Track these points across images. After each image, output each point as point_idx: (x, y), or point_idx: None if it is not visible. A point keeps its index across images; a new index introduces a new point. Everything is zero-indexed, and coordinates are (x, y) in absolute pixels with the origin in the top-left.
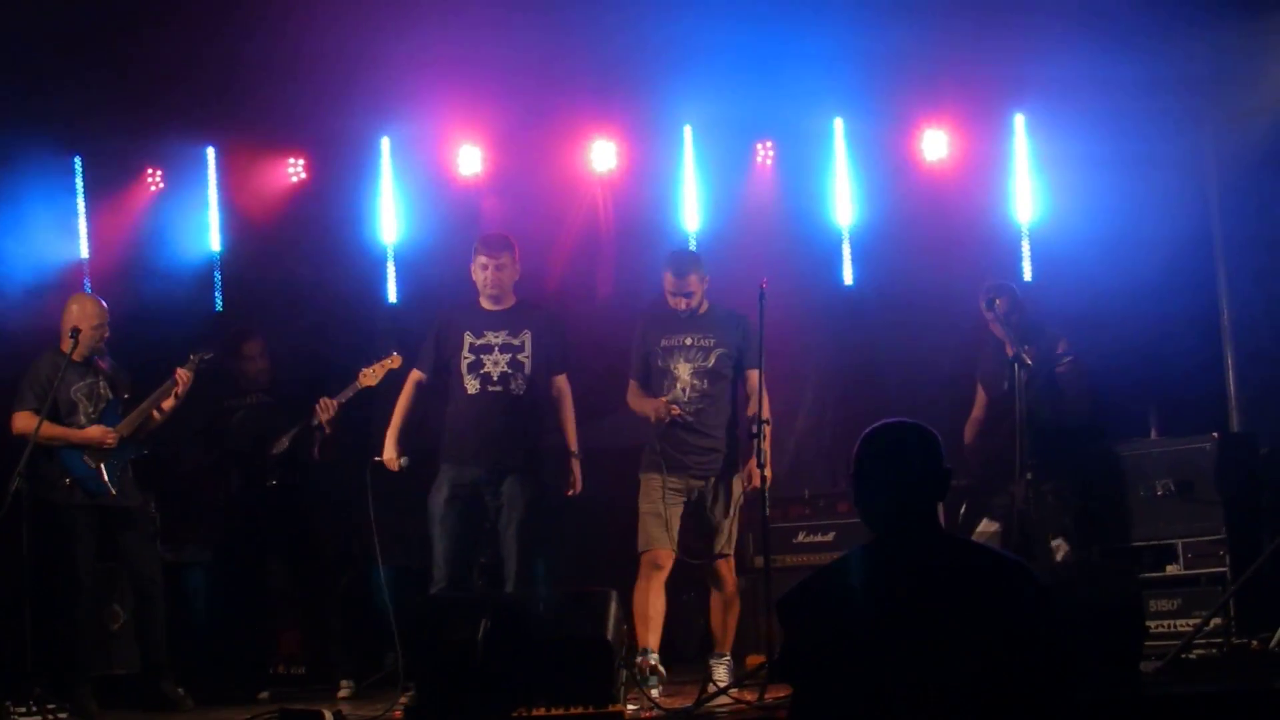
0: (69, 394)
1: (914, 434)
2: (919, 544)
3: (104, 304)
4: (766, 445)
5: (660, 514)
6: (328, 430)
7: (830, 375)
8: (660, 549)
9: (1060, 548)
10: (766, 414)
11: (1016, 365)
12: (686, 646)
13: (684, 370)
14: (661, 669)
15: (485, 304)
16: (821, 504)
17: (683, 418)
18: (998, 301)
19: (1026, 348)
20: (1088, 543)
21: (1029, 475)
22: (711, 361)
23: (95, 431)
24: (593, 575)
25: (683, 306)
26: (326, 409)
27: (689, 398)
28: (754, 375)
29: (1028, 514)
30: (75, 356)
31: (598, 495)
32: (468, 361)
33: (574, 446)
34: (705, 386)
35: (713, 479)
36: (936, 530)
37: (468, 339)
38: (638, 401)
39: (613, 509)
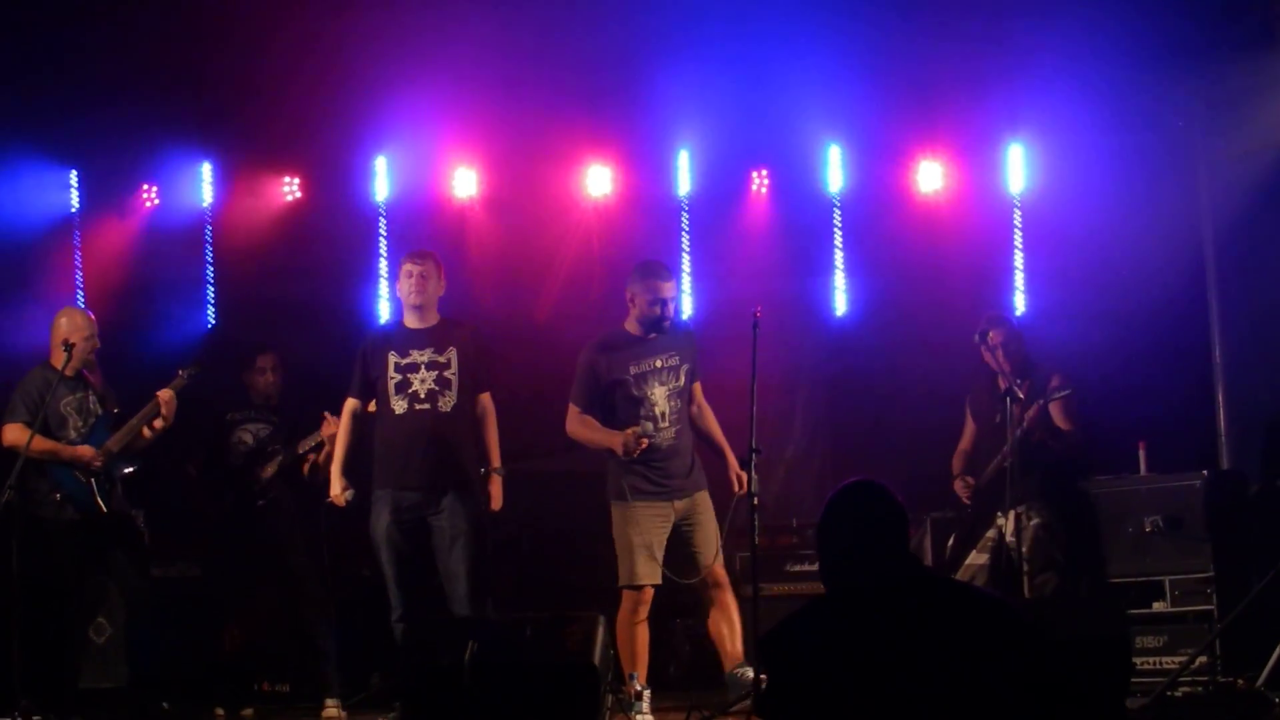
0: (59, 408)
1: (867, 491)
2: (900, 583)
3: (92, 316)
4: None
5: (649, 546)
6: (327, 447)
7: (820, 405)
8: (650, 584)
9: (1050, 581)
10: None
11: (1009, 399)
12: (674, 673)
13: (660, 394)
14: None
15: (409, 320)
16: (809, 533)
17: (663, 443)
18: (991, 334)
19: (1019, 382)
20: (1075, 578)
21: (1020, 508)
22: (682, 380)
23: (85, 451)
24: (573, 599)
25: (668, 313)
26: (333, 423)
27: (669, 421)
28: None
29: (1017, 548)
30: (67, 370)
31: (587, 518)
32: (394, 382)
33: (496, 463)
34: (679, 406)
35: (694, 494)
36: (917, 569)
37: (392, 359)
38: (592, 432)
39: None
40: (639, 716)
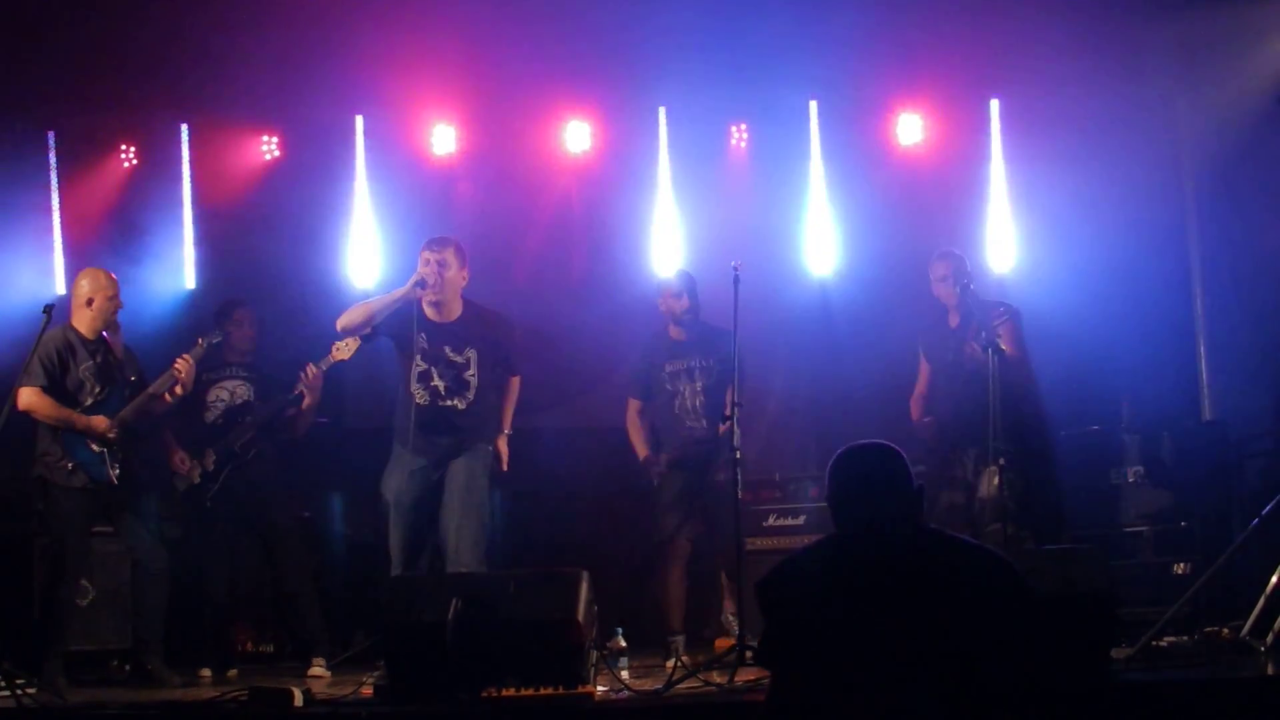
0: (77, 372)
1: (879, 460)
2: (894, 532)
3: (114, 276)
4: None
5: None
6: (307, 399)
7: (802, 360)
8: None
9: (998, 532)
10: (738, 397)
11: (990, 350)
12: (655, 630)
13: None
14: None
15: (428, 311)
16: (792, 487)
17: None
18: (937, 265)
19: (1000, 332)
20: (1058, 529)
21: (1000, 461)
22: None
23: (100, 422)
24: (564, 555)
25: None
26: (311, 375)
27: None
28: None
29: (987, 500)
30: (87, 331)
31: (571, 476)
32: (419, 370)
33: (507, 428)
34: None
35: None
36: (911, 521)
37: (420, 342)
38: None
39: (585, 490)
40: (623, 672)
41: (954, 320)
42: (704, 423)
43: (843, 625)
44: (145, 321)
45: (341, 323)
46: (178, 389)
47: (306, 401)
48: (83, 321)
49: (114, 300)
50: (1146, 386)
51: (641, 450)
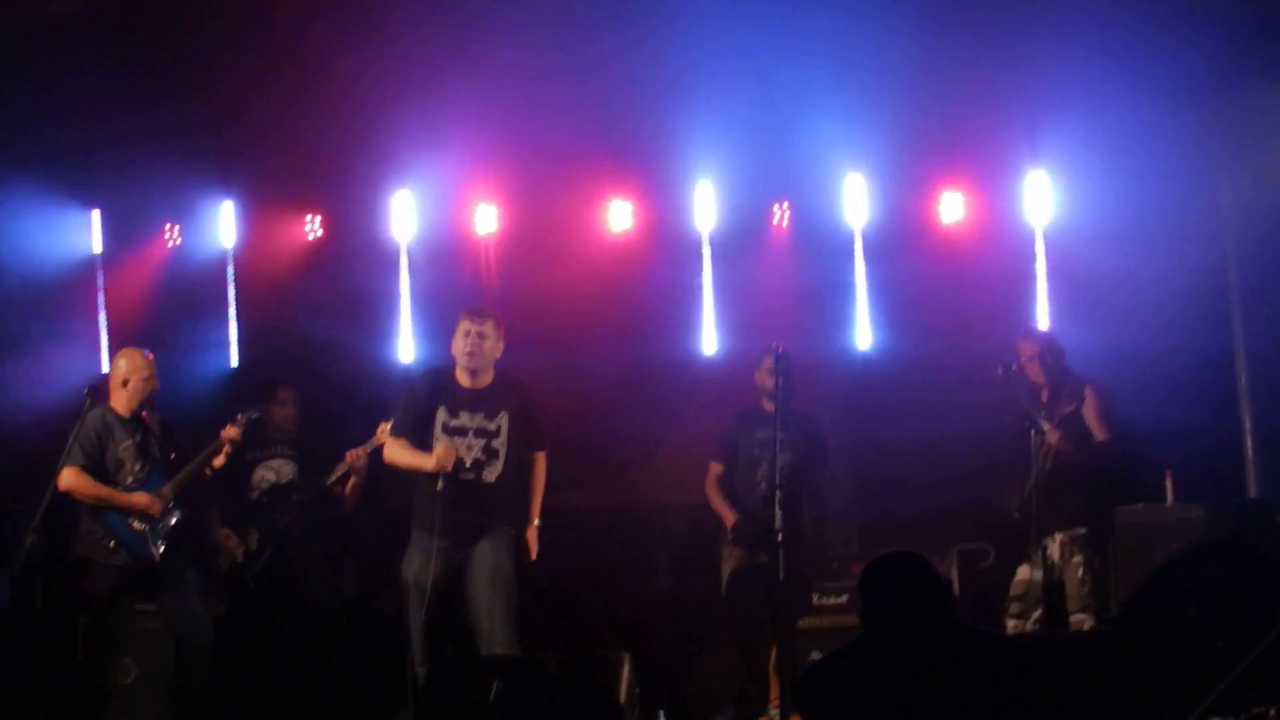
0: (116, 452)
1: (907, 569)
2: (926, 631)
3: (150, 356)
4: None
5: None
6: (352, 479)
7: (844, 438)
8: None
9: (1084, 623)
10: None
11: (1032, 430)
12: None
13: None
14: None
15: (461, 377)
16: (835, 566)
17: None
18: (1024, 346)
19: (1043, 412)
20: (1110, 617)
21: (1062, 536)
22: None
23: (140, 499)
24: (603, 636)
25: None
26: (353, 459)
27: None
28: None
29: (1057, 580)
30: (124, 411)
31: (609, 554)
32: (440, 444)
33: (535, 518)
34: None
35: None
36: (945, 621)
37: (441, 416)
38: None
39: (624, 569)
40: None
41: (1045, 396)
42: (779, 494)
43: None
44: (188, 399)
45: (386, 458)
46: (218, 461)
47: (352, 481)
48: (120, 402)
49: (149, 381)
50: (1190, 462)
51: (729, 515)
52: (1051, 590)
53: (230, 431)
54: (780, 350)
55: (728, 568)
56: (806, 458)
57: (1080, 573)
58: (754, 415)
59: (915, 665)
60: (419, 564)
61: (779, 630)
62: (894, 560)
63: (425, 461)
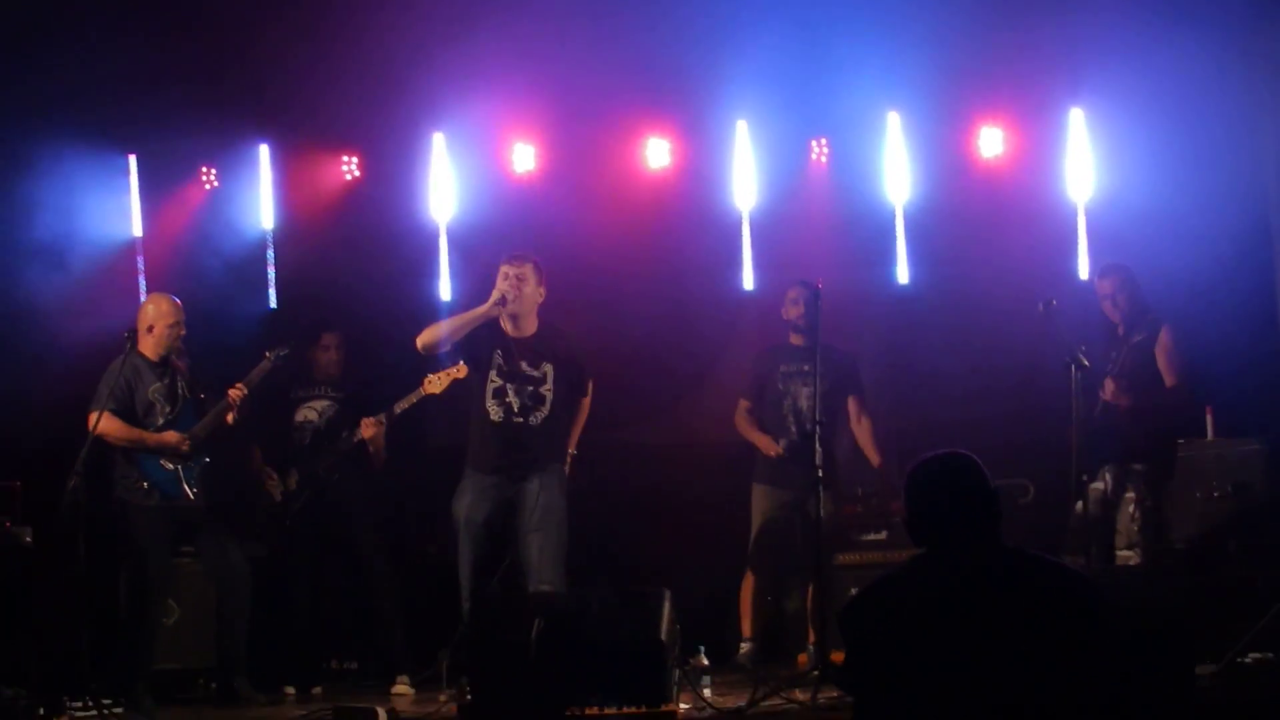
0: (146, 395)
1: (958, 465)
2: (977, 554)
3: (179, 302)
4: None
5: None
6: (373, 445)
7: (884, 374)
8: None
9: (1131, 559)
10: (821, 415)
11: (1074, 367)
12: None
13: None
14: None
15: (505, 324)
16: (875, 502)
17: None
18: (1101, 283)
19: (1083, 348)
20: (1159, 555)
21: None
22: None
23: (171, 436)
24: (646, 573)
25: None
26: (371, 426)
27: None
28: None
29: (1107, 514)
30: (152, 355)
31: (653, 492)
32: (493, 387)
33: (573, 448)
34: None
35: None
36: (995, 542)
37: (497, 359)
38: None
39: (668, 507)
40: (706, 690)
41: (1121, 330)
42: (808, 427)
43: (924, 651)
44: (228, 342)
45: (422, 341)
46: (230, 416)
47: (371, 450)
48: (147, 346)
49: (176, 327)
50: (1231, 397)
51: (762, 439)
52: (1100, 524)
53: (234, 393)
54: (818, 285)
55: (757, 504)
56: (837, 389)
57: (1131, 508)
58: (781, 350)
59: (962, 590)
60: (470, 501)
61: (818, 568)
62: (944, 461)
63: (479, 308)
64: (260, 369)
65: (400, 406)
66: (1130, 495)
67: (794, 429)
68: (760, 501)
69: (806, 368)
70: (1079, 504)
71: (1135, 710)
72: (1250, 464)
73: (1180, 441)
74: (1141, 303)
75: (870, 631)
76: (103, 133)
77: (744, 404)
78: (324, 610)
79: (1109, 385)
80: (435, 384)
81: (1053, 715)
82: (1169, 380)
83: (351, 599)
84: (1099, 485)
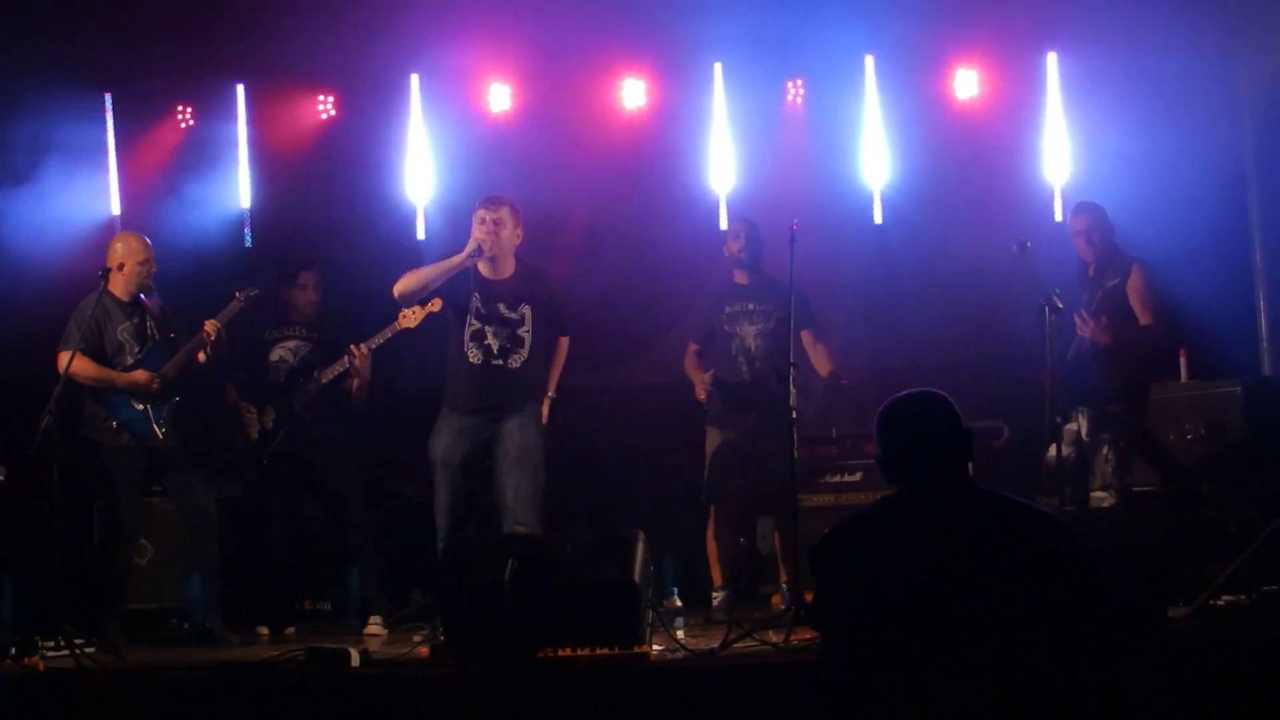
0: (115, 334)
1: (930, 404)
2: (949, 495)
3: (148, 240)
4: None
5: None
6: (356, 381)
7: (859, 315)
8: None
9: (1106, 500)
10: (794, 357)
11: (1048, 309)
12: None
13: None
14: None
15: (482, 267)
16: (849, 444)
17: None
18: (1074, 220)
19: (1058, 290)
20: (1128, 489)
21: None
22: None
23: (140, 376)
24: (620, 515)
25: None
26: (359, 355)
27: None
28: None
29: (1081, 456)
30: (122, 295)
31: (629, 434)
32: (472, 330)
33: (552, 390)
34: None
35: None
36: (967, 484)
37: (475, 302)
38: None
39: (643, 449)
40: (679, 632)
41: (1091, 272)
42: (757, 366)
43: (895, 589)
44: (202, 280)
45: (399, 290)
46: (201, 355)
47: (356, 383)
48: (117, 285)
49: (145, 265)
50: (1205, 339)
51: (695, 376)
52: (1074, 466)
53: (209, 326)
54: (795, 229)
55: (709, 447)
56: (780, 329)
57: (1105, 450)
58: (725, 290)
59: (934, 529)
60: (447, 441)
61: (794, 510)
62: (917, 400)
63: (455, 257)
64: (231, 308)
65: (376, 341)
66: (1105, 437)
67: (745, 369)
68: (711, 444)
69: (752, 306)
70: (1053, 446)
71: (1106, 652)
72: (1224, 407)
73: (1153, 384)
74: (1114, 244)
75: (839, 570)
76: (79, 71)
77: (692, 347)
78: (298, 551)
79: (1089, 322)
80: (410, 318)
81: (1021, 656)
82: (1144, 319)
83: (326, 539)
84: (1073, 427)
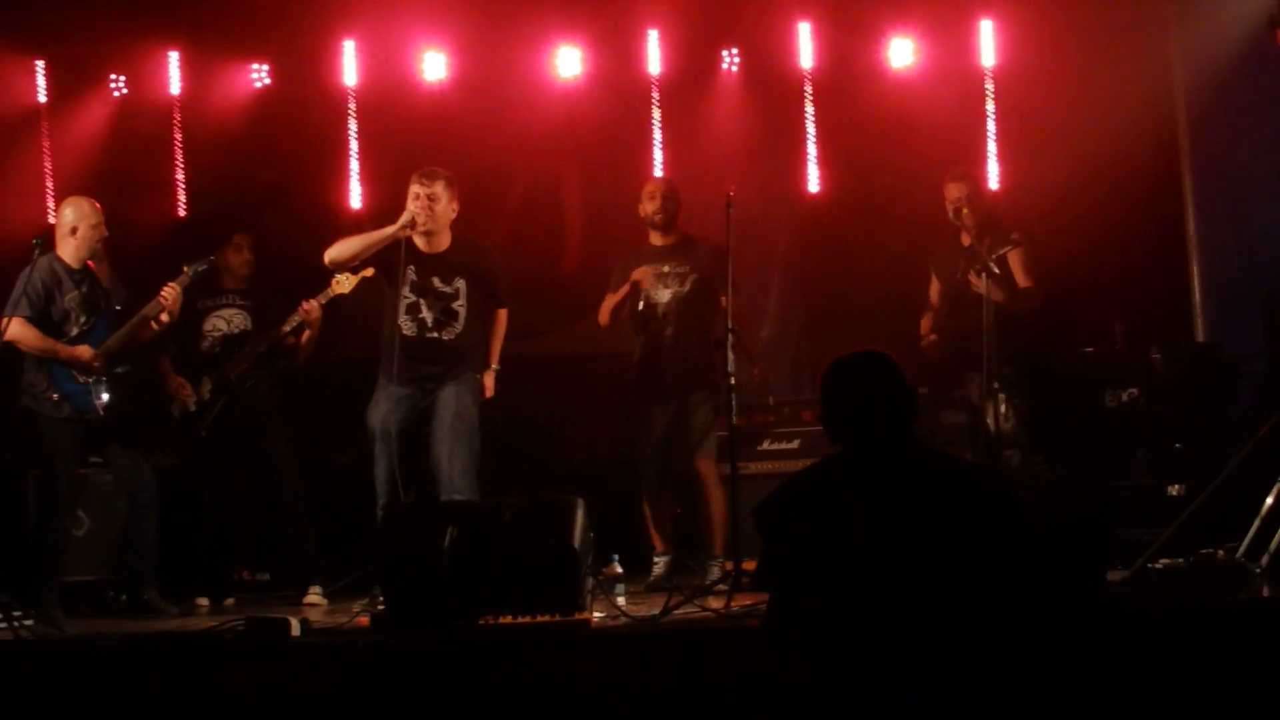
0: (63, 303)
1: (873, 362)
2: (894, 453)
3: (98, 204)
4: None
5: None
6: (307, 332)
7: (795, 283)
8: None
9: (1014, 457)
10: (732, 323)
11: (984, 275)
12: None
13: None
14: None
15: (418, 241)
16: (786, 411)
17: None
18: (951, 187)
19: (994, 255)
20: (1038, 455)
21: (995, 385)
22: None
23: (84, 353)
24: (560, 482)
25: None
26: (309, 309)
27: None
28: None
29: (983, 419)
30: (72, 261)
31: (566, 402)
32: (406, 302)
33: (494, 362)
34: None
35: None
36: (911, 442)
37: (409, 274)
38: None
39: (581, 417)
40: (620, 598)
41: (966, 240)
42: (670, 332)
43: (840, 548)
44: (135, 251)
45: (329, 257)
46: (164, 316)
47: (306, 334)
48: (67, 251)
49: (98, 228)
50: (1139, 307)
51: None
52: (977, 430)
53: (168, 291)
54: (732, 196)
55: (632, 414)
56: (704, 284)
57: (1004, 408)
58: (643, 251)
59: (879, 487)
60: (384, 411)
61: (734, 476)
62: (860, 358)
63: (388, 229)
64: (180, 281)
65: (321, 299)
66: (1002, 396)
67: (661, 331)
68: (633, 411)
69: (667, 268)
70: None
71: (1047, 611)
72: (1157, 373)
73: (1090, 350)
74: (992, 212)
75: (786, 529)
76: (11, 37)
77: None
78: (235, 521)
79: (977, 280)
80: (344, 284)
81: (965, 613)
82: (1023, 282)
83: (262, 509)
84: (967, 392)
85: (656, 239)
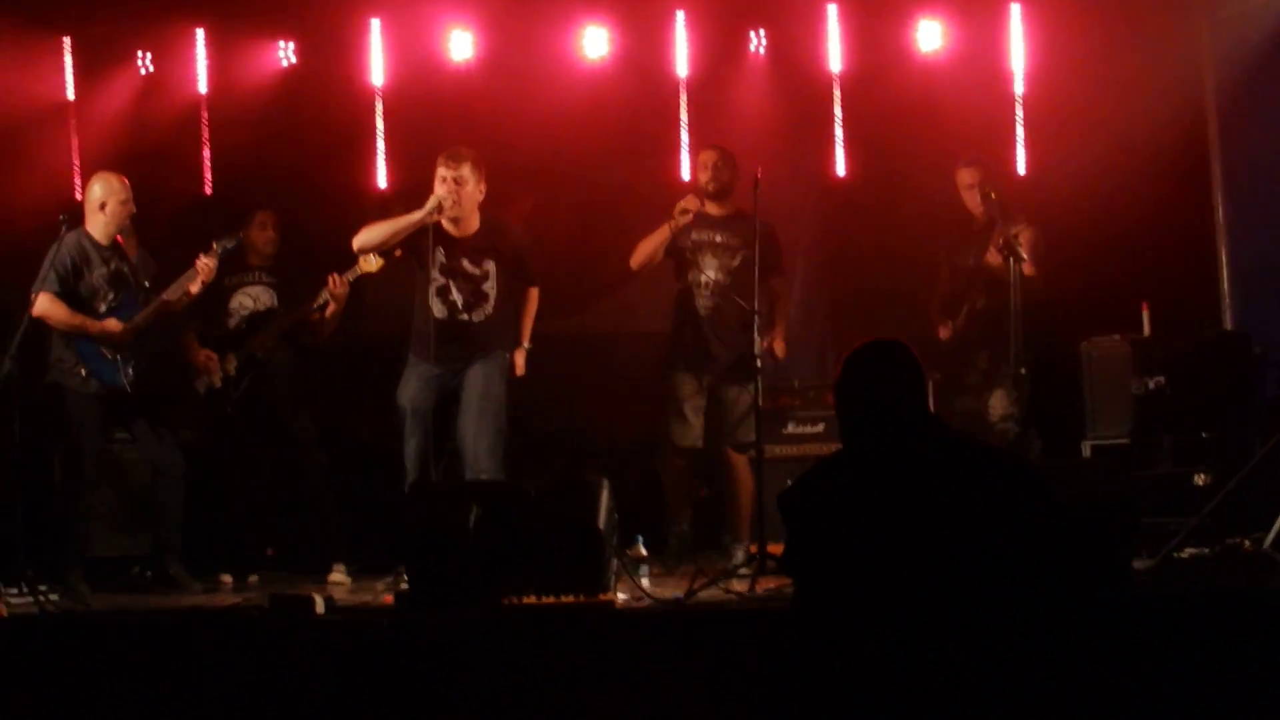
0: (91, 279)
1: (892, 350)
2: (917, 439)
3: (127, 180)
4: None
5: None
6: (332, 307)
7: (821, 267)
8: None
9: (1010, 431)
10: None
11: (1011, 259)
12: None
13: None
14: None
15: (447, 225)
16: (811, 394)
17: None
18: (963, 174)
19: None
20: (1033, 435)
21: (1022, 370)
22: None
23: (113, 326)
24: (585, 463)
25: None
26: (336, 285)
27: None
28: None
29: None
30: (101, 237)
31: (593, 382)
32: (436, 285)
33: (526, 341)
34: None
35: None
36: (933, 427)
37: (439, 257)
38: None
39: (608, 397)
40: (644, 579)
41: (977, 226)
42: (715, 303)
43: (866, 534)
44: (161, 229)
45: (358, 244)
46: (194, 287)
47: (331, 309)
48: (96, 227)
49: (127, 204)
50: (1167, 295)
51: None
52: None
53: (205, 263)
54: (758, 175)
55: (667, 390)
56: (744, 267)
57: (1007, 385)
58: (698, 216)
59: (905, 473)
60: (415, 389)
61: (760, 459)
62: (878, 347)
63: (415, 214)
64: (210, 255)
65: (350, 276)
66: (1005, 369)
67: (703, 304)
68: (663, 381)
69: (719, 238)
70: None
71: (1073, 600)
72: (1185, 360)
73: (1115, 337)
74: (1003, 201)
75: (811, 516)
76: (37, 14)
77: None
78: (260, 498)
79: (994, 254)
80: (371, 263)
81: (991, 599)
82: (1027, 271)
83: (287, 486)
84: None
85: (711, 208)
